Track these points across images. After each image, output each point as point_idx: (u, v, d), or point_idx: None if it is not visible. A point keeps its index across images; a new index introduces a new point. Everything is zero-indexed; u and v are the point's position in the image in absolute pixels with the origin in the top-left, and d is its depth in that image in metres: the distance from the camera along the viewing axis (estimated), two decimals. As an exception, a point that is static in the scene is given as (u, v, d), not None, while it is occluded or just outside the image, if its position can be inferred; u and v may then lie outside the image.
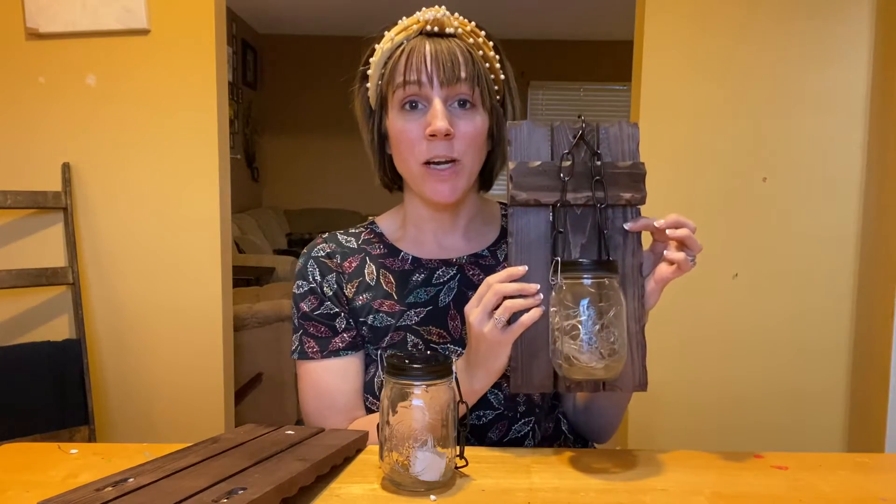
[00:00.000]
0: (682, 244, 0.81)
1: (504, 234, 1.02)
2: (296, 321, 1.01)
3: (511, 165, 0.82)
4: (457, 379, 0.76)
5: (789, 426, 1.99)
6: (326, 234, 1.04)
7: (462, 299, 0.96)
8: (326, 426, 0.98)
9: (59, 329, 1.98)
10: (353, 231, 1.05)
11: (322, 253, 1.01)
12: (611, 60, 5.79)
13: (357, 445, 0.85)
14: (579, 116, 0.84)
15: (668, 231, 0.81)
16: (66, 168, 1.93)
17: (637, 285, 0.83)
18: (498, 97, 0.96)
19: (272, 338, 2.81)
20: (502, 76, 0.96)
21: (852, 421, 1.96)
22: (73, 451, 0.85)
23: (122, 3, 1.89)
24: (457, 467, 0.77)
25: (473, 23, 0.96)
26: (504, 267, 0.84)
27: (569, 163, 0.82)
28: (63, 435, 1.85)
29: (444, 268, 0.99)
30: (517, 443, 0.96)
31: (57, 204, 1.92)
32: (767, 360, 1.98)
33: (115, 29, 1.91)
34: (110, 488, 0.64)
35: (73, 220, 1.93)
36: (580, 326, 0.73)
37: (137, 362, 2.00)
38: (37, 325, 1.98)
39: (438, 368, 0.73)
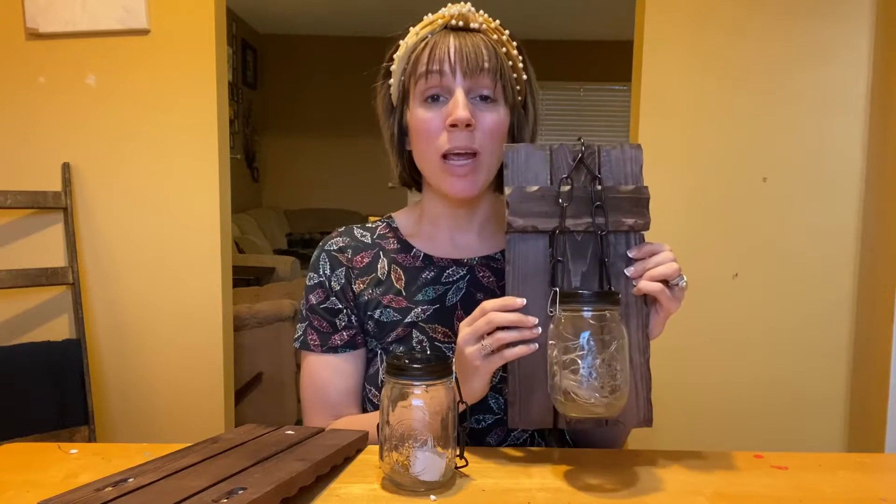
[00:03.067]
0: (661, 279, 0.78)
1: None
2: (304, 311, 1.02)
3: (507, 191, 0.79)
4: (457, 379, 0.76)
5: (789, 426, 1.98)
6: (343, 228, 1.05)
7: (470, 300, 0.96)
8: (313, 417, 0.99)
9: (59, 329, 1.98)
10: (370, 226, 1.05)
11: (335, 247, 1.01)
12: (611, 60, 5.79)
13: (357, 445, 0.85)
14: (579, 139, 0.81)
15: (647, 271, 0.78)
16: (66, 168, 1.93)
17: (641, 315, 0.80)
18: (520, 97, 0.95)
19: (272, 338, 2.81)
20: (525, 76, 0.96)
21: (852, 421, 1.96)
22: (73, 451, 0.85)
23: (122, 3, 1.89)
24: (457, 467, 0.77)
25: (497, 21, 0.96)
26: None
27: (568, 187, 0.79)
28: (63, 435, 1.85)
29: (454, 267, 0.99)
30: (516, 448, 0.96)
31: (57, 204, 1.92)
32: (767, 360, 1.98)
33: (114, 29, 1.91)
34: (110, 488, 0.64)
35: (73, 220, 1.93)
36: (580, 361, 0.70)
37: (137, 362, 2.00)
38: (37, 325, 1.98)
39: (438, 369, 0.73)
